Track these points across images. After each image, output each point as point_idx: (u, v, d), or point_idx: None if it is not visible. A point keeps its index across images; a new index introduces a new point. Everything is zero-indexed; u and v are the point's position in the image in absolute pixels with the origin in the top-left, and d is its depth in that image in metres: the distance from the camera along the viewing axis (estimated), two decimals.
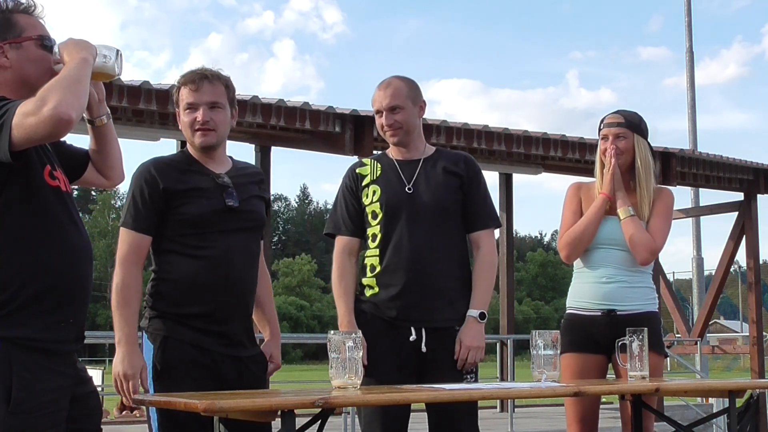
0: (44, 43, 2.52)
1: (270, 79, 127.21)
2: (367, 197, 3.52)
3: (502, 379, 10.81)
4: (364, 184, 3.55)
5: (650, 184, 3.89)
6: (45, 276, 2.39)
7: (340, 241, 3.56)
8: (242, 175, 3.21)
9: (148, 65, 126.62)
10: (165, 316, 3.04)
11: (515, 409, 9.90)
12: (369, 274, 3.48)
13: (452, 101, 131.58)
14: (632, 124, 3.90)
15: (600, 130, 3.97)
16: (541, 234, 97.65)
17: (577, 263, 3.98)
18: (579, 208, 3.95)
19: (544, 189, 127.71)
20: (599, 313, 3.81)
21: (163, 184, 3.04)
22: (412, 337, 3.37)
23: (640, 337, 3.45)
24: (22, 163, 2.34)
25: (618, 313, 3.80)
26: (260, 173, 3.40)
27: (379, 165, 3.57)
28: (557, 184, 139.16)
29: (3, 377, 2.26)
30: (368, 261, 3.49)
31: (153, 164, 3.12)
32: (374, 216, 3.49)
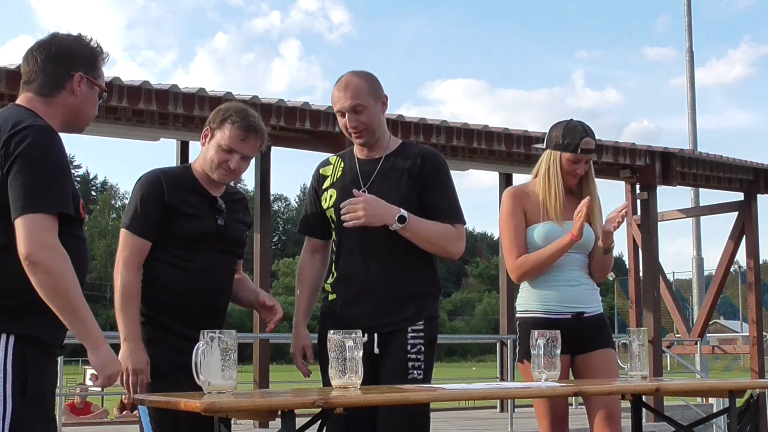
0: (102, 96, 2.79)
1: (276, 79, 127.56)
2: (325, 201, 3.51)
3: (502, 379, 10.81)
4: (324, 186, 3.53)
5: (597, 196, 4.03)
6: None
7: (307, 240, 3.65)
8: (232, 200, 3.42)
9: (153, 65, 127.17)
10: (149, 320, 3.21)
11: (515, 409, 9.90)
12: (329, 279, 3.52)
13: (457, 101, 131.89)
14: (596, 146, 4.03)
15: (568, 147, 3.94)
16: None
17: None
18: (523, 221, 3.94)
19: None
20: (569, 316, 3.85)
21: (168, 199, 3.23)
22: (364, 340, 3.38)
23: (641, 337, 3.46)
24: None
25: (585, 315, 3.88)
26: (245, 199, 3.57)
27: (341, 165, 3.53)
28: None
29: (19, 372, 2.43)
30: (332, 266, 3.54)
31: (163, 176, 3.29)
32: (332, 221, 3.50)
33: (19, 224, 2.40)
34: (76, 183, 2.68)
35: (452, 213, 3.41)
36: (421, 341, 3.34)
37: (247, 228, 3.49)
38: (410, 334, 3.33)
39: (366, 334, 3.30)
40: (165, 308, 3.20)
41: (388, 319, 3.36)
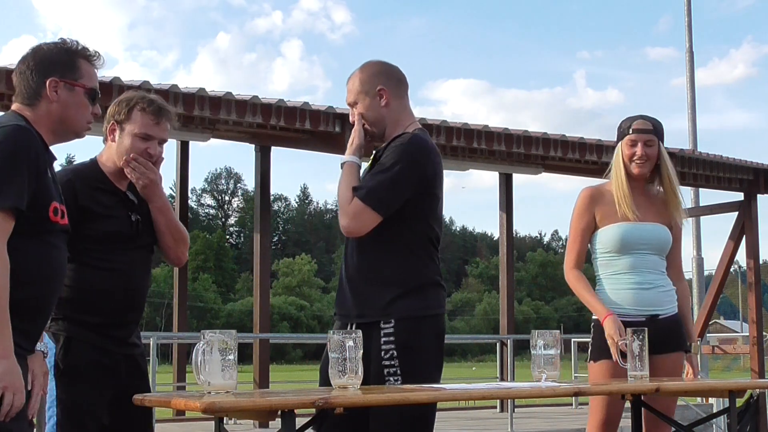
0: (92, 95, 2.78)
1: (277, 79, 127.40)
2: None
3: (502, 379, 10.81)
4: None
5: (678, 191, 3.96)
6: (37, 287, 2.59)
7: None
8: (135, 192, 3.34)
9: (155, 65, 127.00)
10: (67, 318, 3.17)
11: (515, 409, 9.90)
12: None
13: (458, 101, 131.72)
14: (658, 131, 3.94)
15: (623, 133, 3.93)
16: (541, 234, 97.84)
17: (606, 267, 3.94)
18: (590, 224, 3.93)
19: (544, 189, 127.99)
20: (643, 319, 3.80)
21: (81, 201, 3.17)
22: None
23: (641, 337, 3.45)
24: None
25: (660, 317, 3.85)
26: None
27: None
28: (557, 184, 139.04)
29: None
30: None
31: (74, 177, 3.22)
32: None
33: None
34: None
35: (361, 188, 3.22)
36: (393, 345, 3.15)
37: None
38: (383, 338, 3.17)
39: (347, 324, 3.28)
40: (85, 309, 3.16)
41: (357, 311, 3.26)
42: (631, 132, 3.91)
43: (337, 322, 3.36)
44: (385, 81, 3.35)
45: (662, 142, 3.97)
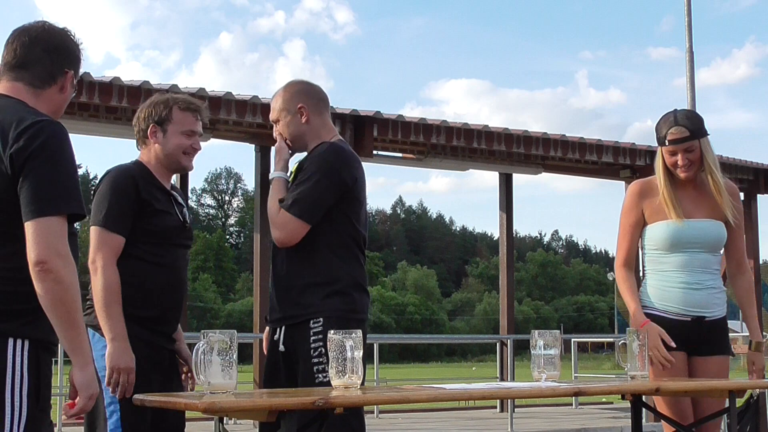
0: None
1: (279, 78, 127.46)
2: None
3: (502, 379, 10.81)
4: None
5: (722, 184, 3.79)
6: None
7: None
8: (177, 192, 3.48)
9: (158, 65, 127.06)
10: (125, 316, 3.18)
11: (515, 409, 9.90)
12: None
13: (460, 101, 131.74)
14: (697, 131, 3.73)
15: (661, 141, 3.78)
16: (541, 234, 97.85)
17: (655, 264, 3.84)
18: (639, 220, 3.83)
19: (544, 189, 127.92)
20: (689, 319, 3.74)
21: (143, 195, 3.24)
22: (276, 337, 3.40)
23: (641, 337, 3.45)
24: None
25: (706, 319, 3.76)
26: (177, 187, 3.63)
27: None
28: (557, 184, 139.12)
29: (33, 376, 2.40)
30: None
31: (134, 171, 3.30)
32: None
33: (32, 228, 2.32)
34: None
35: (286, 200, 3.34)
36: (321, 344, 3.22)
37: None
38: (312, 337, 3.27)
39: (277, 330, 3.38)
40: (138, 304, 3.19)
41: (284, 313, 3.36)
42: (667, 143, 3.75)
43: (269, 329, 3.47)
44: (305, 99, 3.50)
45: (704, 138, 3.75)
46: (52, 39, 2.57)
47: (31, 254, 2.31)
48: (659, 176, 3.80)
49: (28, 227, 2.33)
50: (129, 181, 3.24)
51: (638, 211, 3.83)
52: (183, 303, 3.41)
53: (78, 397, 2.45)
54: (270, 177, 3.47)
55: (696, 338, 3.70)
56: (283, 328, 3.35)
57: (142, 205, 3.22)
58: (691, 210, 3.78)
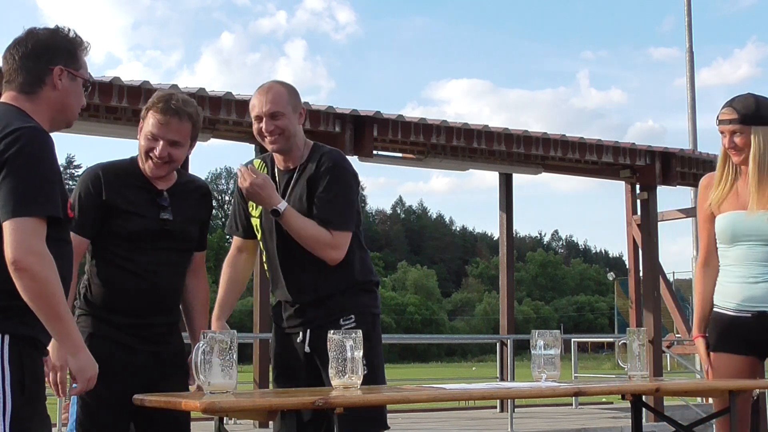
0: (86, 86, 2.75)
1: (280, 78, 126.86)
2: (253, 208, 3.54)
3: (502, 379, 10.81)
4: None
5: (755, 177, 3.62)
6: None
7: (234, 240, 3.68)
8: (185, 191, 3.33)
9: (159, 65, 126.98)
10: (94, 315, 3.20)
11: (515, 409, 9.90)
12: (271, 287, 3.60)
13: (461, 101, 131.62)
14: (747, 117, 3.60)
15: (717, 121, 3.72)
16: (541, 234, 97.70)
17: (722, 258, 3.73)
18: (708, 214, 3.73)
19: (544, 189, 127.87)
20: (749, 315, 3.61)
21: (106, 196, 3.18)
22: (299, 339, 3.41)
23: (641, 337, 3.45)
24: None
25: None
26: (205, 187, 3.49)
27: (265, 172, 3.52)
28: (557, 184, 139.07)
29: (16, 370, 2.44)
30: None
31: (102, 172, 3.25)
32: (257, 229, 3.54)
33: (7, 228, 2.40)
34: (66, 183, 2.68)
35: (326, 219, 3.36)
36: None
37: (203, 221, 3.41)
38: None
39: (300, 333, 3.39)
40: (109, 307, 3.17)
41: (309, 315, 3.40)
42: (718, 122, 3.68)
43: (280, 333, 3.48)
44: (301, 102, 3.53)
45: (759, 124, 3.60)
46: (32, 43, 2.65)
47: (7, 254, 2.39)
48: (721, 158, 3.73)
49: (5, 228, 2.40)
50: (92, 183, 3.18)
51: (706, 205, 3.75)
52: (167, 306, 3.27)
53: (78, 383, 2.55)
54: (279, 209, 3.33)
55: (763, 338, 3.55)
56: (308, 330, 3.38)
57: (105, 207, 3.17)
58: (754, 199, 3.62)
